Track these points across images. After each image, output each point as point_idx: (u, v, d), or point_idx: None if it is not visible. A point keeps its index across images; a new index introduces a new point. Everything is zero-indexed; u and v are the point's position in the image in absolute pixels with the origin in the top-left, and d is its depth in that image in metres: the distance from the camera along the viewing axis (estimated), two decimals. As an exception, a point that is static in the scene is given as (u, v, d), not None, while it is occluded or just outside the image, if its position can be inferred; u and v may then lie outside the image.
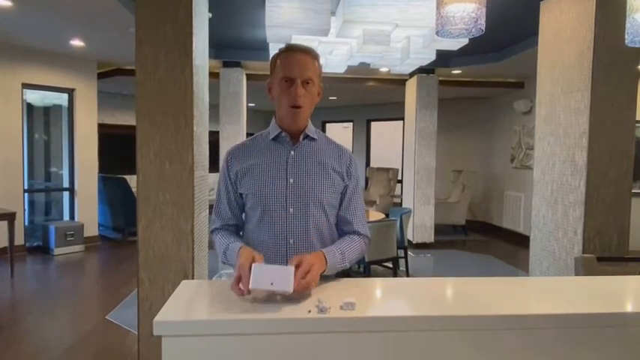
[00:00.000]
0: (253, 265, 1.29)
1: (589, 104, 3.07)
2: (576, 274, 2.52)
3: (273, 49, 4.90)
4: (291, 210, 1.56)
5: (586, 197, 3.08)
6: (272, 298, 1.31)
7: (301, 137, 1.61)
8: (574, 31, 3.23)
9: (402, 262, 5.52)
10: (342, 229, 1.67)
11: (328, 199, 1.59)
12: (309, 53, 1.58)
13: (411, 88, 7.39)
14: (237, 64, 6.76)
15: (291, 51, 1.58)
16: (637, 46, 2.06)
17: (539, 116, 3.68)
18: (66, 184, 6.88)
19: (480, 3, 1.88)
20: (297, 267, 1.32)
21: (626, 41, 2.06)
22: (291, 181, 1.56)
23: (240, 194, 1.64)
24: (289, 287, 1.21)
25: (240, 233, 1.71)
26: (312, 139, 1.63)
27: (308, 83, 1.55)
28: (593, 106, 3.06)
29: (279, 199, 1.56)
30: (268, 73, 1.64)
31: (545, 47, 3.62)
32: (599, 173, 3.08)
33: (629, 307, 1.46)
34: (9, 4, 4.25)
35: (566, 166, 3.29)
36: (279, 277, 1.21)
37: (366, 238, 1.68)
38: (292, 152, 1.60)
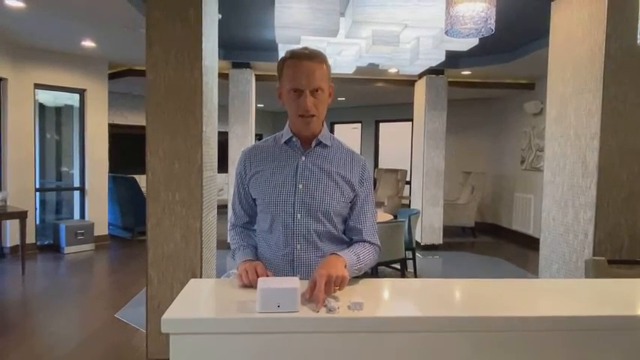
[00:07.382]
0: (259, 279, 1.29)
1: (600, 105, 3.03)
2: (586, 277, 2.49)
3: (283, 50, 4.91)
4: (298, 216, 1.54)
5: (597, 199, 3.05)
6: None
7: (313, 143, 1.59)
8: (585, 31, 3.19)
9: (410, 263, 5.50)
10: (351, 238, 1.64)
11: (336, 208, 1.57)
12: (316, 58, 1.51)
13: (420, 89, 7.37)
14: (247, 65, 6.79)
15: (297, 59, 1.51)
16: (650, 46, 2.04)
17: (549, 117, 3.65)
18: (76, 184, 6.95)
19: (490, 3, 1.88)
20: (326, 283, 1.31)
21: (639, 41, 2.04)
22: (301, 187, 1.54)
23: (252, 197, 1.64)
24: (296, 307, 1.21)
25: (255, 227, 1.71)
26: (325, 145, 1.60)
27: (317, 91, 1.50)
28: (604, 107, 3.03)
29: (286, 204, 1.54)
30: (277, 73, 1.62)
31: (556, 48, 3.59)
32: (610, 175, 3.05)
33: (641, 310, 1.44)
34: (21, 5, 4.30)
35: (577, 168, 3.26)
36: (285, 297, 1.21)
37: (377, 246, 1.64)
38: (303, 158, 1.58)
